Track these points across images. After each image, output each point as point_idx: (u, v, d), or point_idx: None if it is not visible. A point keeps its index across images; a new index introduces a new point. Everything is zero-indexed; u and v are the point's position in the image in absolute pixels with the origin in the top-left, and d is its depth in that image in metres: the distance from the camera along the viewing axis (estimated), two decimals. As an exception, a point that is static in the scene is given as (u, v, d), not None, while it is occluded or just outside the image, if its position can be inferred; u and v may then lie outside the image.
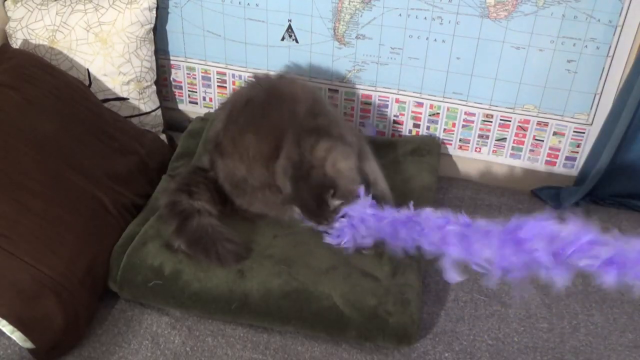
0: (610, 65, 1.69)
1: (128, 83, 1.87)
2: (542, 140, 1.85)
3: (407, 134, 1.96)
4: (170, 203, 1.53)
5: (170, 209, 1.51)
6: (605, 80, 1.71)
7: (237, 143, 1.53)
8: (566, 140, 1.83)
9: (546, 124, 1.82)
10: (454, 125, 1.90)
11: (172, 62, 2.04)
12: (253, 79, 1.64)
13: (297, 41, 1.88)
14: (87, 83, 1.84)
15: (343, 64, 1.89)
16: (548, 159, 1.88)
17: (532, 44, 1.70)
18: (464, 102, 1.85)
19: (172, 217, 1.50)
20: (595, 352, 1.43)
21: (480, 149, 1.92)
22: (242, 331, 1.44)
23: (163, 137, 1.99)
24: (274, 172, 1.48)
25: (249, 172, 1.52)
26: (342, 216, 1.40)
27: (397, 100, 1.90)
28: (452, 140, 1.93)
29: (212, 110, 2.07)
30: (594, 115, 1.77)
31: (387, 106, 1.92)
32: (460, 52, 1.77)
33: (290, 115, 1.50)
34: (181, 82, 2.08)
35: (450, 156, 1.96)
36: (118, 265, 1.47)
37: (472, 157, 1.94)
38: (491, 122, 1.86)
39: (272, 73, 1.89)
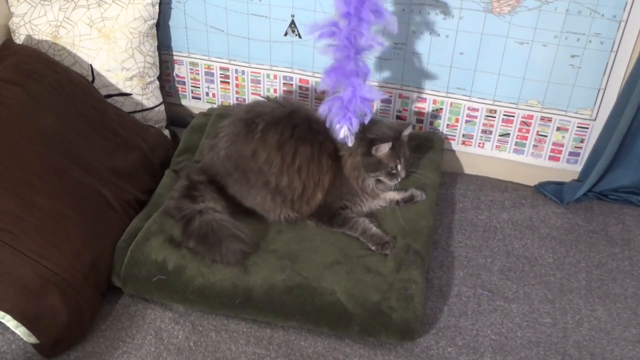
0: (614, 61, 1.68)
1: (131, 79, 1.87)
2: (546, 136, 1.85)
3: (410, 129, 1.96)
4: (175, 209, 1.54)
5: (177, 216, 1.53)
6: (609, 76, 1.71)
7: (285, 144, 1.51)
8: (570, 136, 1.83)
9: (550, 120, 1.82)
10: (457, 120, 1.90)
11: (175, 58, 2.04)
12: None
13: (300, 36, 1.88)
14: (90, 79, 1.84)
15: (346, 60, 1.88)
16: (551, 154, 1.87)
17: (535, 39, 1.70)
18: (467, 98, 1.85)
19: (178, 222, 1.52)
20: (598, 347, 1.43)
21: (483, 144, 1.92)
22: (245, 326, 1.45)
23: (166, 132, 1.99)
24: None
25: (280, 174, 1.51)
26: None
27: (400, 96, 1.90)
28: (455, 136, 1.93)
29: (215, 106, 2.07)
30: (598, 110, 1.76)
31: (390, 101, 1.92)
32: (464, 47, 1.77)
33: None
34: (184, 78, 2.07)
35: (453, 152, 1.95)
36: (122, 260, 1.47)
37: (476, 153, 1.94)
38: (494, 117, 1.86)
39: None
